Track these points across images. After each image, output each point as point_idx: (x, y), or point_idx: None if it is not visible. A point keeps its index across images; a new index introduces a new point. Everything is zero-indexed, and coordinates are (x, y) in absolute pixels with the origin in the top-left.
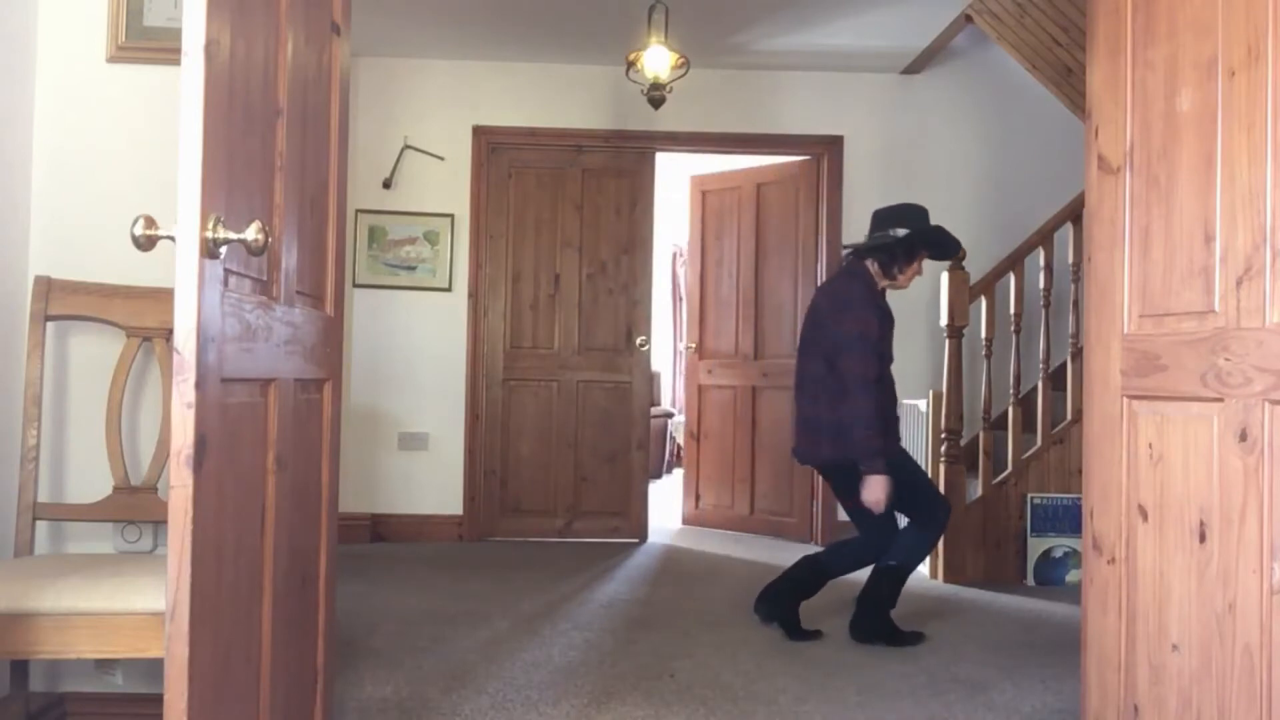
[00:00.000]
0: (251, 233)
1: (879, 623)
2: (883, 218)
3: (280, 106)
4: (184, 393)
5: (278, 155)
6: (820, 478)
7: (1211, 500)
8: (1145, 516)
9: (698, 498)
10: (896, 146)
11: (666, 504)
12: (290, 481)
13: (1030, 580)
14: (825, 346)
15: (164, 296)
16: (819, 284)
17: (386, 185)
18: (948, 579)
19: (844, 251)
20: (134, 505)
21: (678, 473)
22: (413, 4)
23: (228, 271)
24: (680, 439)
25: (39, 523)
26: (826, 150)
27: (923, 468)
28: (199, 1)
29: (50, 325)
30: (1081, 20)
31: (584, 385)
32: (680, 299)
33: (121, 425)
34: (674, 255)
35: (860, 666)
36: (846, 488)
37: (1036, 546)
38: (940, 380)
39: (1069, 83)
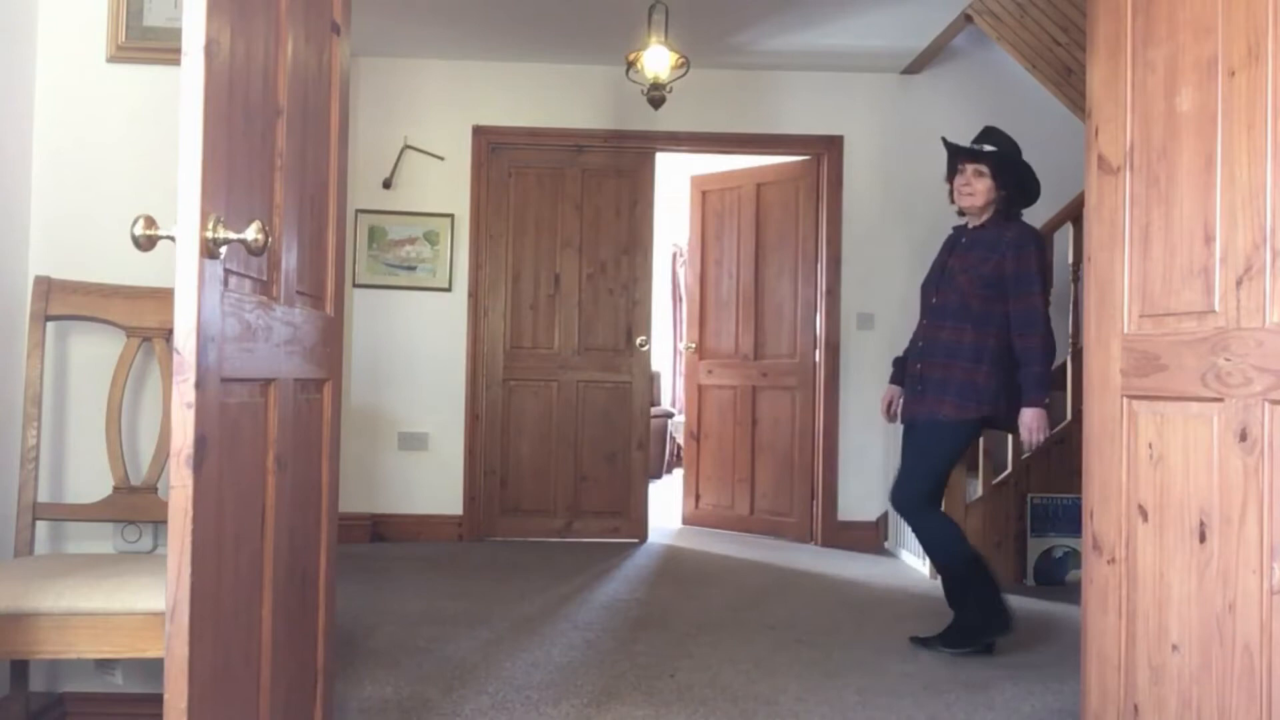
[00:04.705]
0: (251, 233)
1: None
2: (1008, 149)
3: (280, 106)
4: (184, 393)
5: (278, 155)
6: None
7: (1211, 500)
8: (1145, 516)
9: (698, 498)
10: (896, 146)
11: (666, 504)
12: (290, 481)
13: (1030, 580)
14: (976, 303)
15: (164, 296)
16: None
17: (386, 185)
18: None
19: (981, 147)
20: (134, 505)
21: (678, 473)
22: (413, 4)
23: (228, 271)
24: (680, 439)
25: (39, 523)
26: (826, 150)
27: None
28: (199, 1)
29: (50, 325)
30: (1081, 20)
31: (584, 385)
32: (680, 299)
33: (121, 425)
34: (674, 255)
35: (860, 666)
36: (933, 445)
37: (1036, 546)
38: None
39: (1069, 83)
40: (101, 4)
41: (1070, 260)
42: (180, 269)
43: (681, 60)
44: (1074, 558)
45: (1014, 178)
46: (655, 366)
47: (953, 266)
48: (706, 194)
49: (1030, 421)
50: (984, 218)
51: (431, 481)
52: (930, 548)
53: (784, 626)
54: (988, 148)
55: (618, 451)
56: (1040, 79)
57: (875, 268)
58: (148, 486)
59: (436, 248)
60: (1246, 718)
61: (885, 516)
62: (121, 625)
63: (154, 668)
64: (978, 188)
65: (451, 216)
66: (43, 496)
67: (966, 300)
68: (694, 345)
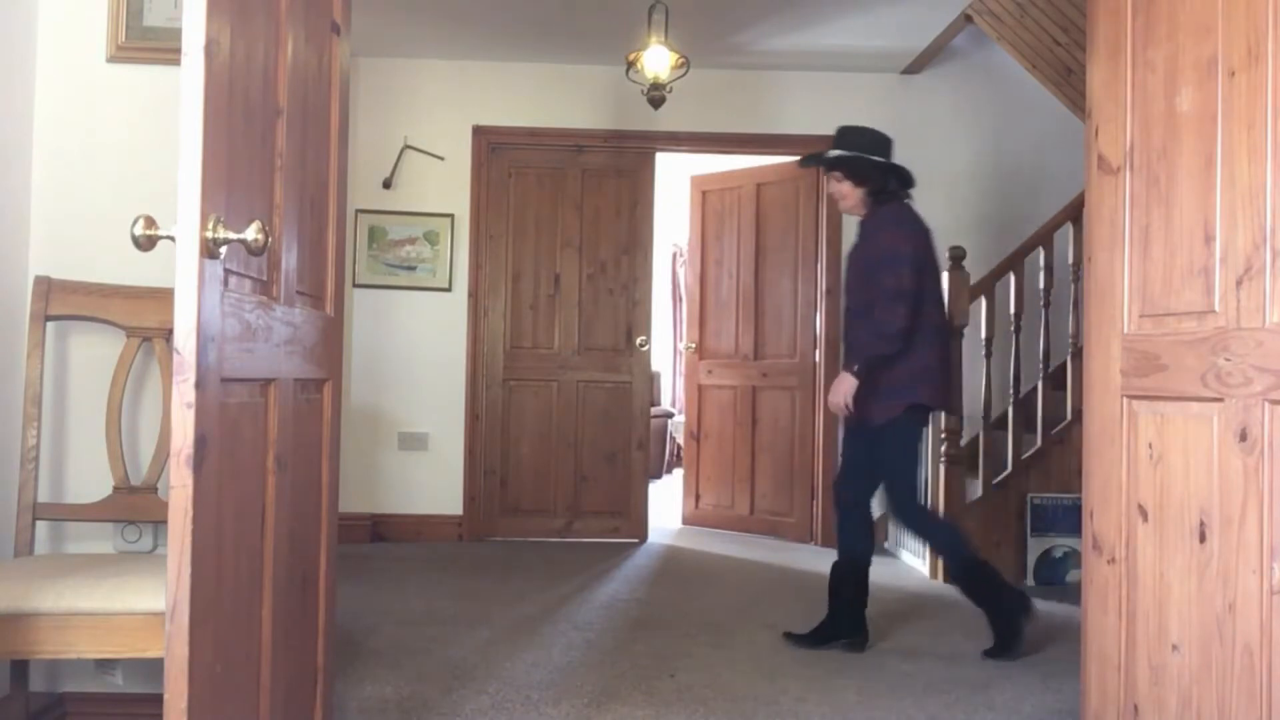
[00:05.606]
0: (251, 233)
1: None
2: (852, 144)
3: (280, 106)
4: (184, 393)
5: (278, 155)
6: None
7: (1211, 500)
8: (1145, 516)
9: (698, 498)
10: (896, 146)
11: (666, 504)
12: (290, 481)
13: (1030, 580)
14: (867, 295)
15: (164, 296)
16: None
17: (386, 185)
18: (948, 579)
19: (832, 156)
20: (134, 505)
21: (678, 473)
22: (413, 4)
23: (228, 271)
24: (680, 439)
25: (39, 523)
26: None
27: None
28: (199, 1)
29: (50, 325)
30: (1081, 20)
31: (584, 385)
32: (680, 299)
33: (121, 425)
34: (674, 255)
35: (860, 666)
36: (884, 451)
37: (1036, 546)
38: None
39: (1069, 83)
40: (101, 4)
41: (1070, 260)
42: (180, 269)
43: (681, 60)
44: (1074, 558)
45: (871, 170)
46: (655, 366)
47: (847, 267)
48: (706, 194)
49: (835, 386)
50: (865, 212)
51: (431, 481)
52: (937, 551)
53: (784, 626)
54: (833, 153)
55: (618, 451)
56: (1040, 79)
57: None
58: (148, 486)
59: (436, 248)
60: (1246, 718)
61: (884, 517)
62: (121, 625)
63: (154, 668)
64: (841, 190)
65: (451, 216)
66: (43, 496)
67: (859, 296)
68: (694, 345)
